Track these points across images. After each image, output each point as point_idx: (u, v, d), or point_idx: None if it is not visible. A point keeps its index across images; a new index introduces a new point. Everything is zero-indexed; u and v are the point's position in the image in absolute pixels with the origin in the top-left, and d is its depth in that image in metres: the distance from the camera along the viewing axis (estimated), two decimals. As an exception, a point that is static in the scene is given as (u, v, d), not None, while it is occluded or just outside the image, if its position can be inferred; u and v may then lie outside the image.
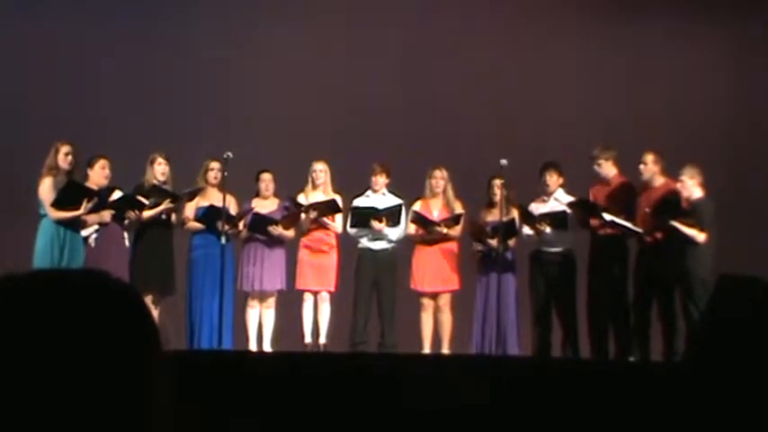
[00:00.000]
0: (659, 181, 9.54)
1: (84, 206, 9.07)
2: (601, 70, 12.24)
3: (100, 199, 9.21)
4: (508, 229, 9.71)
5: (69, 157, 9.23)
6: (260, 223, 9.77)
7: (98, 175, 9.41)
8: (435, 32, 12.22)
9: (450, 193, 10.00)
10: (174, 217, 9.70)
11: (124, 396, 1.18)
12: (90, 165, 9.42)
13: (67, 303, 1.19)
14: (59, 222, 9.08)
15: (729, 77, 12.31)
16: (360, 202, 10.02)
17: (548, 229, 9.62)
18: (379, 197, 10.04)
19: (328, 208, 9.85)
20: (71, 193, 9.07)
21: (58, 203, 9.05)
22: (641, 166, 9.53)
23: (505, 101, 12.00)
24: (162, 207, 9.49)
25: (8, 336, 1.16)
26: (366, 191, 10.08)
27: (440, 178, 10.00)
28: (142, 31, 11.77)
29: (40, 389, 1.14)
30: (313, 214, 9.79)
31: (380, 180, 10.05)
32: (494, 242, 9.68)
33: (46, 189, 9.12)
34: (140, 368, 1.20)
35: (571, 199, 9.71)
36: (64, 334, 1.17)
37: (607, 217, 9.41)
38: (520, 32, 12.28)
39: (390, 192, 10.07)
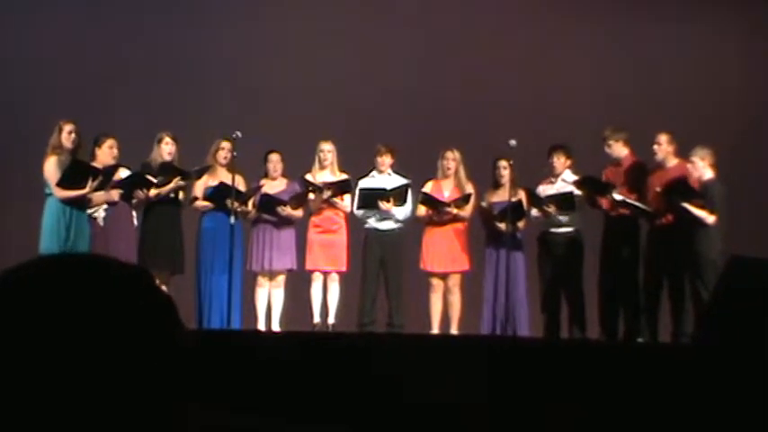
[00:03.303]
0: (672, 162, 9.51)
1: (90, 185, 9.07)
2: (612, 53, 12.22)
3: (105, 177, 9.21)
4: (516, 212, 9.67)
5: (73, 136, 9.21)
6: (269, 204, 9.77)
7: (105, 154, 9.41)
8: (445, 15, 12.18)
9: (462, 174, 9.96)
10: (181, 195, 9.70)
11: (145, 376, 1.16)
12: (98, 144, 9.42)
13: (78, 293, 1.16)
14: (65, 201, 9.07)
15: (739, 61, 12.28)
16: (365, 182, 10.00)
17: (554, 211, 9.59)
18: (384, 177, 10.02)
19: (342, 187, 9.85)
20: (76, 172, 9.05)
21: (62, 182, 9.03)
22: (655, 147, 9.50)
23: (516, 83, 11.97)
24: (171, 185, 9.48)
25: (18, 326, 1.14)
26: (371, 171, 10.06)
27: (451, 159, 9.97)
28: (150, 9, 11.75)
29: (52, 377, 1.12)
30: (327, 194, 9.78)
31: (386, 160, 10.03)
32: (502, 226, 9.65)
33: (51, 168, 9.11)
34: (159, 349, 1.18)
35: (577, 178, 9.69)
36: (75, 323, 1.14)
37: (617, 197, 9.39)
38: (531, 14, 12.24)
39: (396, 172, 10.05)
